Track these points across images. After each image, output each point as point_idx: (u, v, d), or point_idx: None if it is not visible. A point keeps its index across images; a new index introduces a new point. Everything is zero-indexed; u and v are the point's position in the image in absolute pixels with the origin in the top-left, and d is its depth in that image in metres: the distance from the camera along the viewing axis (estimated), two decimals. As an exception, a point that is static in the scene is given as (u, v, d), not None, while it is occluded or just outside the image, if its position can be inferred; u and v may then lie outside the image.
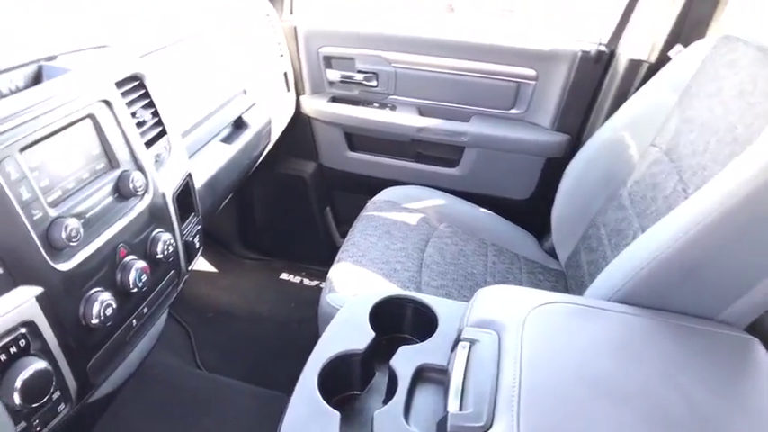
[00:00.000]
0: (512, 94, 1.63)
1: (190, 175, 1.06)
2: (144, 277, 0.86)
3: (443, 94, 1.67)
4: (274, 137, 1.61)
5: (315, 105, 1.76)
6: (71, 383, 0.78)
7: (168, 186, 0.97)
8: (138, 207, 0.89)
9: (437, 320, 0.80)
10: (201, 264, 1.92)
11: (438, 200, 1.66)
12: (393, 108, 1.74)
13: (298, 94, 1.77)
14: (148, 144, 0.94)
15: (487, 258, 1.51)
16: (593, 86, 1.57)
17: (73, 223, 0.74)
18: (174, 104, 1.17)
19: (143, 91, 0.96)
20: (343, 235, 1.41)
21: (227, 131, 1.37)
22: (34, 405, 0.70)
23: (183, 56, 1.23)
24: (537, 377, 0.63)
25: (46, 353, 0.73)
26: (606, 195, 1.23)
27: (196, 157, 1.22)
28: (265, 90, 1.52)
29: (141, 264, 0.86)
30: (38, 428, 0.73)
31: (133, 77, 0.94)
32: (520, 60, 1.57)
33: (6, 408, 0.68)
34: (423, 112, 1.75)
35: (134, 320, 0.90)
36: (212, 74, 1.33)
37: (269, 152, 1.71)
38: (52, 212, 0.74)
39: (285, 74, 1.70)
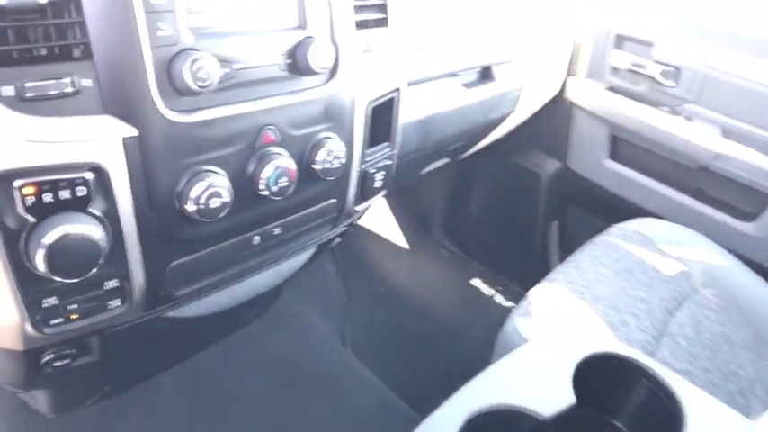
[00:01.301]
0: None
1: (399, 91, 0.79)
2: (283, 182, 0.61)
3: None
4: (521, 113, 1.29)
5: (585, 92, 1.39)
6: (137, 280, 0.56)
7: (365, 89, 0.71)
8: (313, 92, 0.64)
9: (681, 424, 0.53)
10: (394, 234, 1.71)
11: (712, 255, 1.19)
12: (688, 119, 1.29)
13: (567, 74, 1.41)
14: (359, 26, 0.70)
15: (763, 362, 1.01)
16: None
17: (209, 64, 0.52)
18: (413, 15, 0.92)
19: None
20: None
21: (469, 77, 1.09)
22: (61, 279, 0.49)
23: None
24: None
25: (109, 220, 0.52)
26: None
27: (420, 87, 0.96)
28: (529, 53, 1.21)
29: (287, 163, 0.62)
30: (73, 316, 0.53)
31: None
32: None
33: (28, 268, 0.48)
34: (727, 134, 1.27)
35: (255, 237, 0.66)
36: (472, 4, 1.07)
37: (508, 133, 1.40)
38: (187, 39, 0.52)
39: (560, 44, 1.36)
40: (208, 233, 0.60)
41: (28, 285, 0.50)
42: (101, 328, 0.58)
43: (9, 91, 0.45)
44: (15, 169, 0.46)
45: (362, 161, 0.77)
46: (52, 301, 0.52)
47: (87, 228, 0.49)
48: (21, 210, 0.47)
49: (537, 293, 1.00)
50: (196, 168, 0.56)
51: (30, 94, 0.46)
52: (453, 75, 1.06)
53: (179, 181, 0.55)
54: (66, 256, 0.48)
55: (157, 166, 0.53)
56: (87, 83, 0.48)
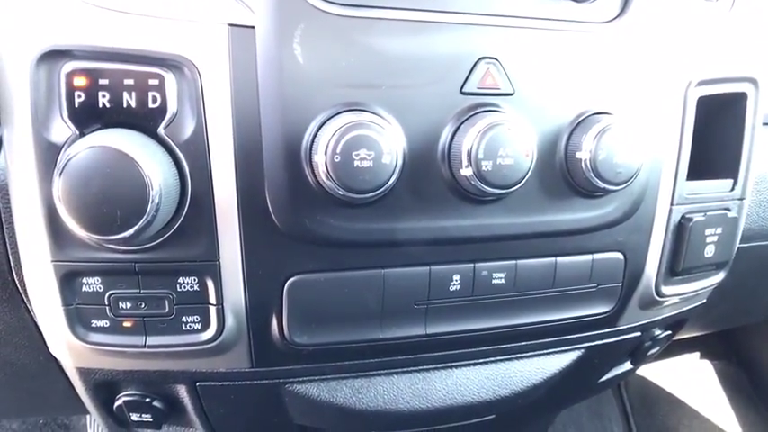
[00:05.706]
0: None
1: (756, 85, 0.45)
2: (506, 158, 0.34)
3: None
4: None
5: None
6: (232, 287, 0.36)
7: (687, 59, 0.41)
8: (583, 28, 0.37)
9: None
10: (720, 414, 1.12)
11: None
12: None
13: None
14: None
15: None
16: None
17: None
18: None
19: None
20: None
21: None
22: (84, 230, 0.30)
23: None
24: None
25: (189, 157, 0.32)
26: None
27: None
28: None
29: (518, 127, 0.34)
30: (126, 323, 0.36)
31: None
32: None
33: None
34: None
35: (454, 275, 0.38)
36: None
37: None
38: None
39: None
40: (358, 232, 0.34)
41: (59, 238, 0.31)
42: (183, 371, 0.36)
43: None
44: (67, 47, 0.30)
45: (678, 196, 0.43)
46: (94, 284, 0.32)
47: (140, 149, 0.29)
48: (63, 112, 0.30)
49: None
50: (347, 98, 0.32)
51: None
52: None
53: (313, 117, 0.32)
54: (93, 185, 0.28)
55: (280, 82, 0.31)
56: None
